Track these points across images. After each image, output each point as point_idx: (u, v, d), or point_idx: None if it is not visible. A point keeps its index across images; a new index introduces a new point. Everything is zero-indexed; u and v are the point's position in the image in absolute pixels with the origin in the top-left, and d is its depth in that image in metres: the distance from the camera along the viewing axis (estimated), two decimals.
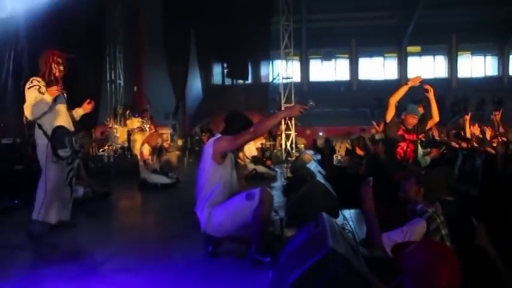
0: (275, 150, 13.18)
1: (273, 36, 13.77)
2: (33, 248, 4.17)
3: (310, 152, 10.06)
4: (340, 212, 4.68)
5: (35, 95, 4.18)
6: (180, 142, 13.87)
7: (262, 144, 10.24)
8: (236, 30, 13.50)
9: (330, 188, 4.87)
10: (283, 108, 11.92)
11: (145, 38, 14.35)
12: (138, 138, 10.44)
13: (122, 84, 13.66)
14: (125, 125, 11.27)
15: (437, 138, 7.66)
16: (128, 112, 11.75)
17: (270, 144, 12.99)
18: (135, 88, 13.04)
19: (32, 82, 4.25)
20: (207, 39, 13.94)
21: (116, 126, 11.24)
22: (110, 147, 10.70)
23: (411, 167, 4.78)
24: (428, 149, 6.32)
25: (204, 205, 3.50)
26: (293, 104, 12.26)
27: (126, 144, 10.76)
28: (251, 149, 8.65)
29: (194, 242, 4.12)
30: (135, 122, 10.85)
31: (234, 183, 3.66)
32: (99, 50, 11.92)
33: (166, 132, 12.27)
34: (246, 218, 3.34)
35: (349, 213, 5.00)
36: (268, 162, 9.36)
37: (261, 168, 8.81)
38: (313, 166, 6.19)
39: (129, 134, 10.78)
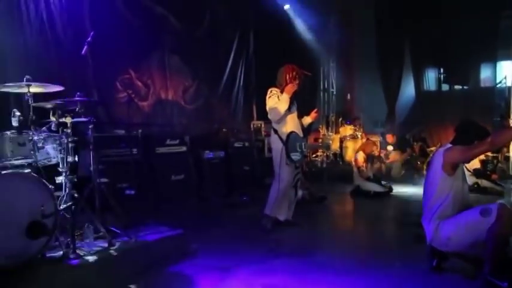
0: (499, 164, 11.70)
1: (499, 34, 12.27)
2: (265, 240, 4.62)
3: None
4: None
5: (275, 101, 4.72)
6: None
7: (486, 156, 9.24)
8: (455, 31, 12.48)
9: None
10: None
11: (358, 47, 14.50)
12: (350, 145, 10.69)
13: (335, 92, 14.13)
14: (337, 132, 11.66)
15: None
16: (340, 120, 12.16)
17: (492, 157, 11.59)
18: (348, 96, 13.31)
19: (271, 92, 4.79)
20: (422, 45, 13.28)
21: (329, 133, 11.74)
22: (323, 153, 11.21)
23: None
24: None
25: (431, 216, 3.38)
26: None
27: (338, 151, 11.12)
28: (474, 160, 7.90)
29: (414, 253, 4.03)
30: (347, 130, 11.13)
31: (465, 196, 3.43)
32: (315, 61, 12.60)
33: (376, 139, 12.19)
34: (479, 235, 3.09)
35: None
36: (494, 176, 8.40)
37: (484, 183, 7.99)
38: None
39: (341, 141, 11.11)
